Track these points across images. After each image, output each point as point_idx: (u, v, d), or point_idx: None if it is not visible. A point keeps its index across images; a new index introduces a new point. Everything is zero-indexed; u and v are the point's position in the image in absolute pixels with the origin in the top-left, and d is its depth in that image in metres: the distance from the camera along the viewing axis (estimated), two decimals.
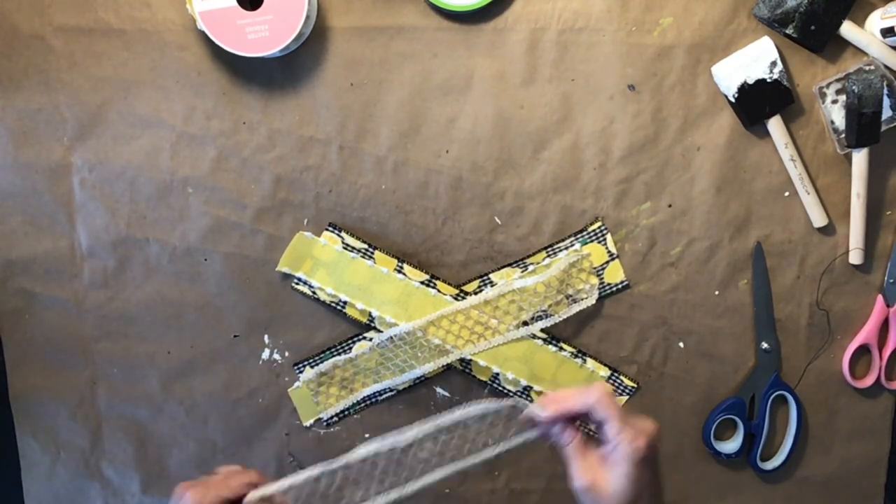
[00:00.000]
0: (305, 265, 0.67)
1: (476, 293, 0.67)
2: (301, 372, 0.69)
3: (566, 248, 0.67)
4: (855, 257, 0.67)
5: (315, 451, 0.71)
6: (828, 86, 0.65)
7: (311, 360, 0.69)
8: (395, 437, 0.52)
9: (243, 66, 0.66)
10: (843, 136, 0.65)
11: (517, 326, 0.67)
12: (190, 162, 0.67)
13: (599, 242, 0.68)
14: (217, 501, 0.58)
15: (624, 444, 0.48)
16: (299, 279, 0.68)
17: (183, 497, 0.59)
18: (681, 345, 0.69)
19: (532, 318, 0.67)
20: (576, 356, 0.68)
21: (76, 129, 0.67)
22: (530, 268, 0.67)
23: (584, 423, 0.60)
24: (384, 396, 0.69)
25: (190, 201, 0.68)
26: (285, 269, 0.67)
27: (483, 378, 0.69)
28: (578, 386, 0.68)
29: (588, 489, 0.49)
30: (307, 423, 0.70)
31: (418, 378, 0.68)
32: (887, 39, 0.63)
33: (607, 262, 0.68)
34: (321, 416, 0.70)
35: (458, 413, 0.52)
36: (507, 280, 0.67)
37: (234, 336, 0.70)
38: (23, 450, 0.72)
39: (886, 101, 0.64)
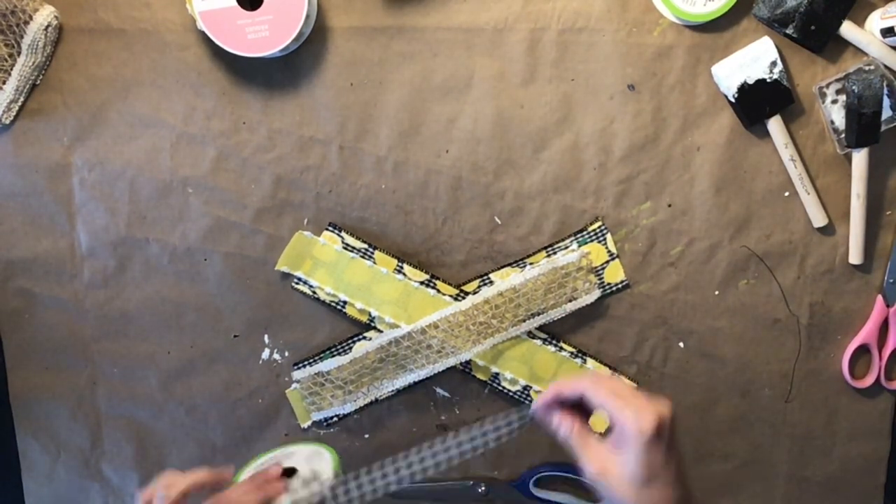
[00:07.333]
0: (305, 265, 0.67)
1: (475, 293, 0.67)
2: (299, 368, 0.69)
3: (566, 248, 0.67)
4: (855, 257, 0.67)
5: None
6: (828, 86, 0.65)
7: (311, 360, 0.69)
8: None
9: (243, 66, 0.66)
10: (843, 136, 0.65)
11: (516, 325, 0.67)
12: (190, 162, 0.67)
13: (599, 242, 0.68)
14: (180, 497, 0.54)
15: (627, 426, 0.46)
16: (299, 279, 0.68)
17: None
18: (681, 345, 0.69)
19: (531, 316, 0.67)
20: (576, 356, 0.68)
21: (76, 129, 0.67)
22: (530, 268, 0.67)
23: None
24: (384, 396, 0.69)
25: (190, 201, 0.68)
26: (284, 269, 0.67)
27: (483, 378, 0.69)
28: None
29: (599, 475, 0.48)
30: (304, 426, 0.70)
31: (418, 380, 0.68)
32: (887, 39, 0.63)
33: (607, 262, 0.68)
34: (316, 417, 0.70)
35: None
36: (506, 280, 0.67)
37: (234, 336, 0.70)
38: (23, 450, 0.72)
39: (886, 101, 0.63)
